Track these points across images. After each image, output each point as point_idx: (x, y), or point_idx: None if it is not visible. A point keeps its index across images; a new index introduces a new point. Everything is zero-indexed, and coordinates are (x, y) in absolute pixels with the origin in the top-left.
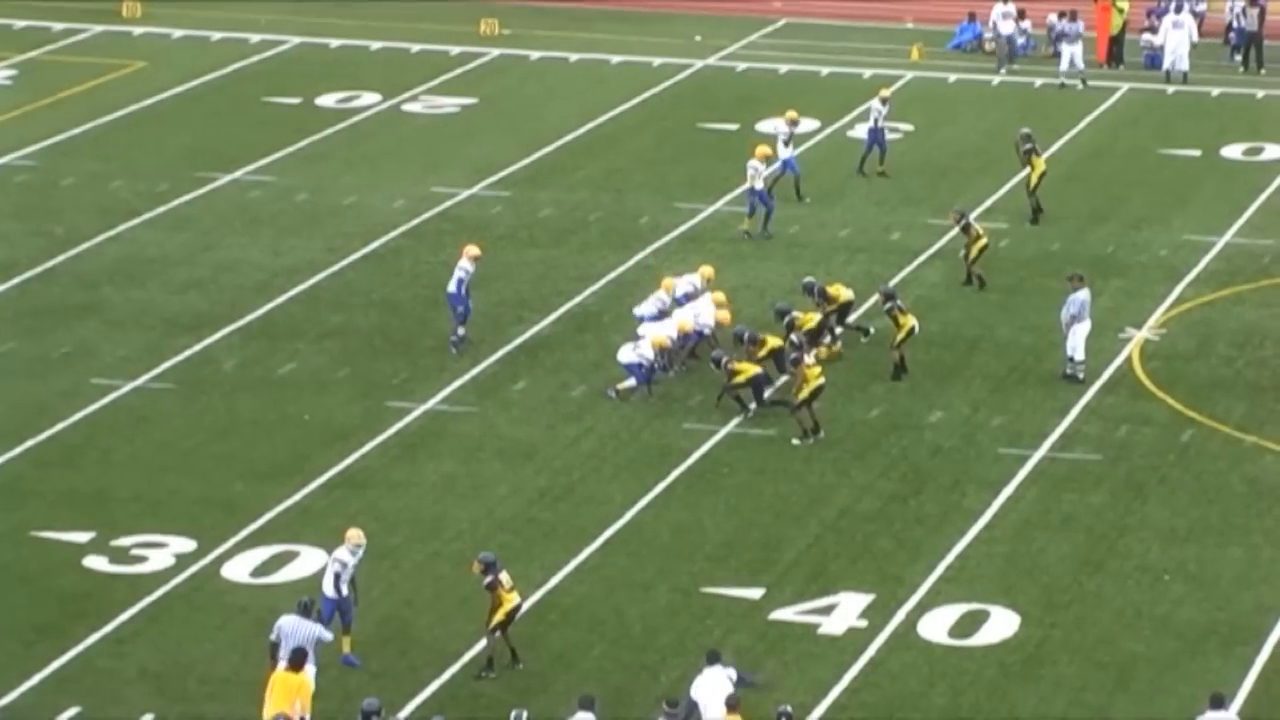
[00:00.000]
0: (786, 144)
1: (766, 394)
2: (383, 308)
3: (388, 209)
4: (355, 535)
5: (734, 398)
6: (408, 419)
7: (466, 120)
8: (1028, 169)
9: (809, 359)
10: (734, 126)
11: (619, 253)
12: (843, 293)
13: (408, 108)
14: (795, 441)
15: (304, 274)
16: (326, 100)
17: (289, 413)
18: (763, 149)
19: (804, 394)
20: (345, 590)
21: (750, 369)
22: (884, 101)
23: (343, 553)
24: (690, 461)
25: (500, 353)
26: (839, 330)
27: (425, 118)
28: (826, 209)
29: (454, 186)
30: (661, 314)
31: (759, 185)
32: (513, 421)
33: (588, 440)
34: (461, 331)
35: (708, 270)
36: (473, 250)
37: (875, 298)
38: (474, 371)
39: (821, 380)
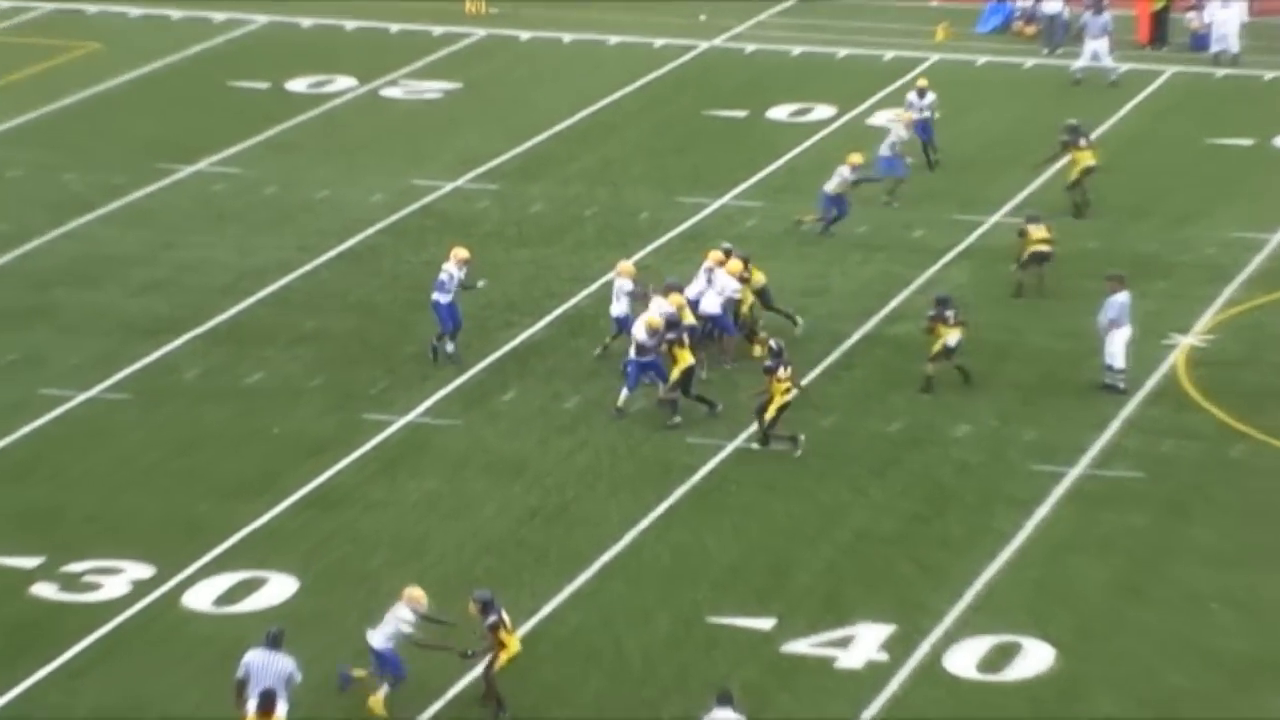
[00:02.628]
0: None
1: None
2: (360, 311)
3: (365, 203)
4: (418, 596)
5: (697, 399)
6: (387, 432)
7: (451, 107)
8: (1067, 160)
9: (783, 372)
10: (742, 114)
11: (616, 251)
12: (757, 275)
13: (387, 93)
14: (798, 453)
15: (274, 274)
16: (298, 85)
17: (257, 425)
18: (855, 156)
19: (771, 412)
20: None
21: (686, 358)
22: (920, 93)
23: (406, 612)
24: (694, 479)
25: (487, 360)
26: (760, 320)
27: (406, 104)
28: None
29: (437, 179)
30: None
31: (838, 190)
32: (501, 435)
33: (582, 455)
34: (451, 348)
35: (717, 254)
36: (461, 253)
37: (895, 302)
38: (459, 381)
39: (790, 395)
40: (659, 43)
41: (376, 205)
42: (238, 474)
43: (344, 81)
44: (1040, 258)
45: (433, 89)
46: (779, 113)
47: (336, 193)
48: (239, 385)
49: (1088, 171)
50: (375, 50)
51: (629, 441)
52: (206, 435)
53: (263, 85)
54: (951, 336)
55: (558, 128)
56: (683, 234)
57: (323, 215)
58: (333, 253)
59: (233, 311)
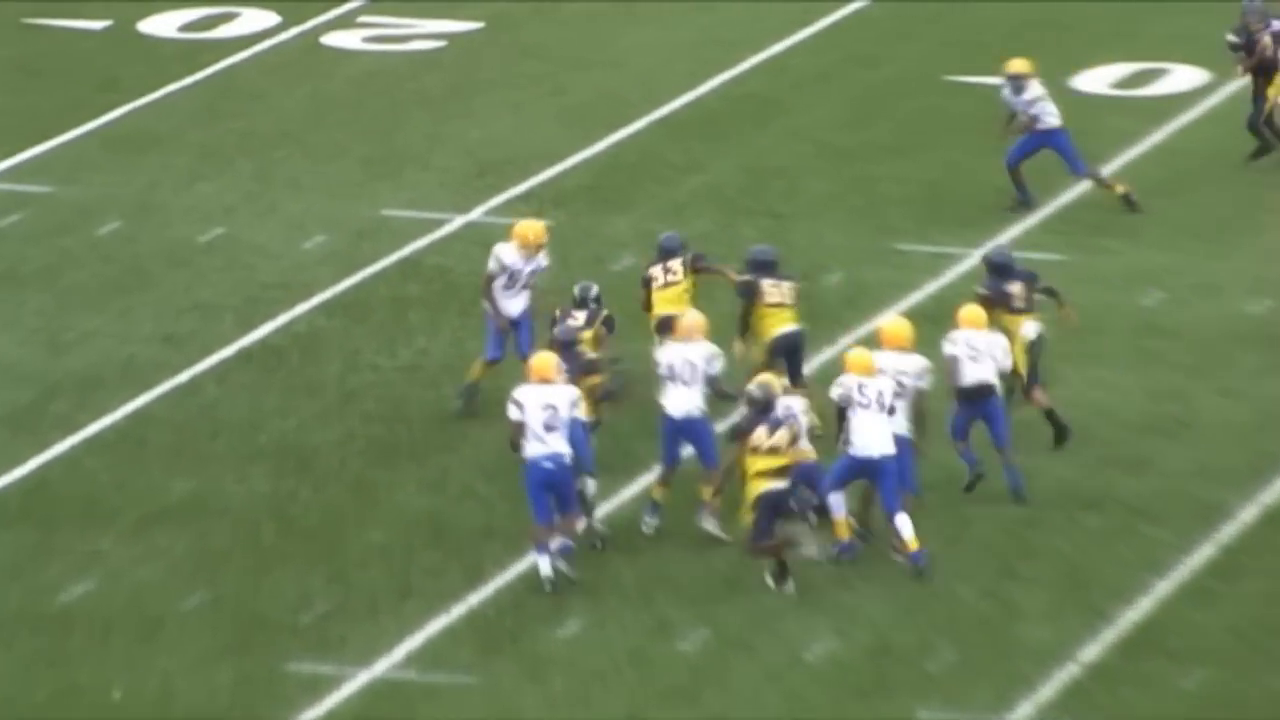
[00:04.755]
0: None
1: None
2: (280, 460)
3: (293, 253)
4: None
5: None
6: (332, 699)
7: (458, 68)
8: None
9: (764, 435)
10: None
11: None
12: None
13: (332, 40)
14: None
15: (116, 387)
16: (161, 25)
17: (79, 681)
18: None
19: (749, 503)
20: None
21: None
22: (1016, 84)
23: None
24: None
25: (527, 558)
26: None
27: (371, 62)
28: (1222, 249)
29: (432, 205)
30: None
31: None
32: (554, 704)
33: None
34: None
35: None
36: (535, 229)
37: None
38: (471, 599)
39: (775, 485)
40: None
41: (315, 255)
42: None
43: (254, 18)
44: None
45: (424, 33)
46: (1092, 79)
47: (238, 231)
48: (47, 604)
49: None
50: None
51: (798, 708)
52: None
53: (96, 25)
54: (1027, 327)
55: (664, 109)
56: (911, 309)
57: (212, 275)
58: (231, 348)
59: (37, 461)
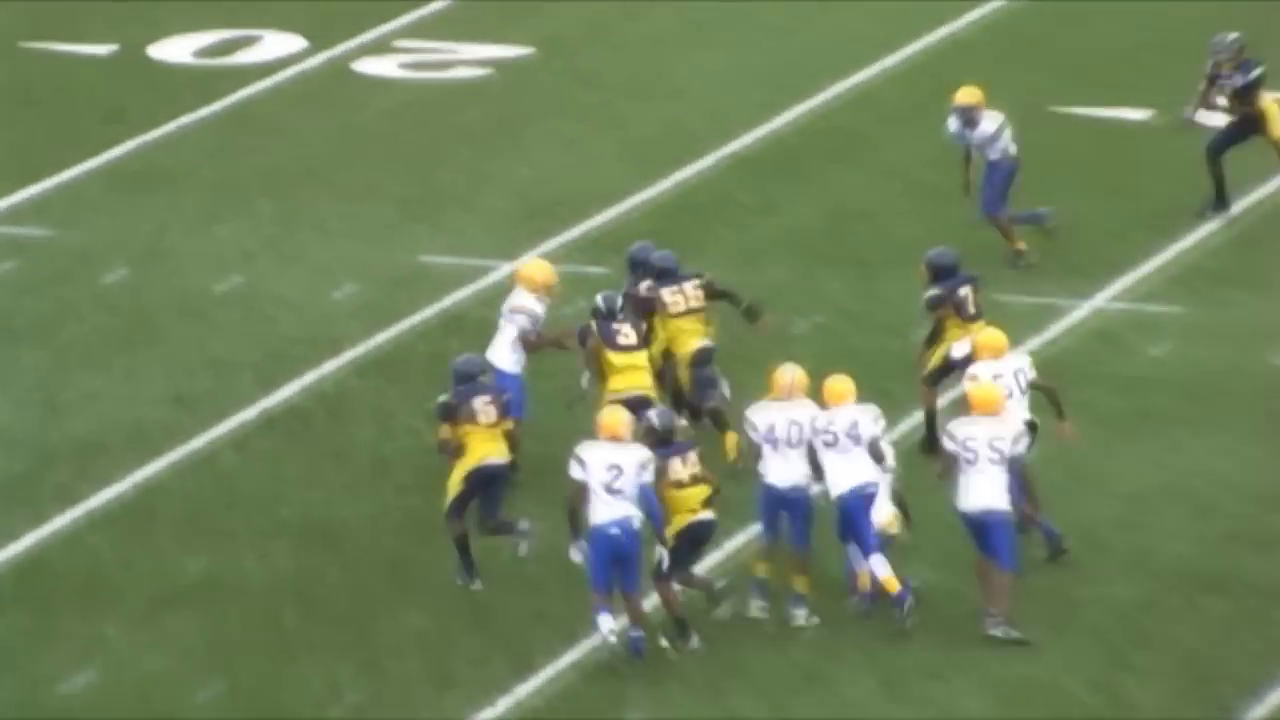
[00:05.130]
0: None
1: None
2: (303, 534)
3: (318, 303)
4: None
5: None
6: None
7: (504, 97)
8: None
9: (680, 467)
10: (1140, 114)
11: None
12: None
13: (365, 67)
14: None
15: (120, 454)
16: (174, 50)
17: None
18: None
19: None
20: None
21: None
22: (966, 118)
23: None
24: None
25: (579, 650)
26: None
27: (408, 91)
28: None
29: (475, 251)
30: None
31: None
32: None
33: None
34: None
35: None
36: (545, 268)
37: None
38: (519, 691)
39: (704, 515)
40: None
41: (345, 307)
42: None
43: (277, 42)
44: None
45: (467, 59)
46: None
47: (258, 280)
48: (45, 697)
49: None
50: None
51: None
52: None
53: (101, 50)
54: (959, 347)
55: (735, 144)
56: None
57: (228, 329)
58: (250, 411)
59: (33, 537)
